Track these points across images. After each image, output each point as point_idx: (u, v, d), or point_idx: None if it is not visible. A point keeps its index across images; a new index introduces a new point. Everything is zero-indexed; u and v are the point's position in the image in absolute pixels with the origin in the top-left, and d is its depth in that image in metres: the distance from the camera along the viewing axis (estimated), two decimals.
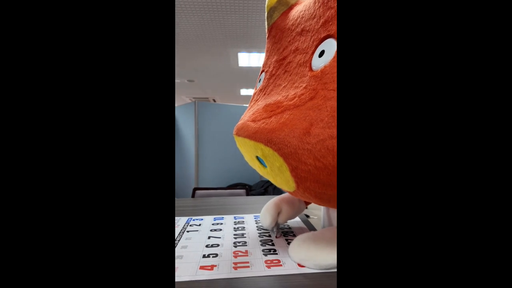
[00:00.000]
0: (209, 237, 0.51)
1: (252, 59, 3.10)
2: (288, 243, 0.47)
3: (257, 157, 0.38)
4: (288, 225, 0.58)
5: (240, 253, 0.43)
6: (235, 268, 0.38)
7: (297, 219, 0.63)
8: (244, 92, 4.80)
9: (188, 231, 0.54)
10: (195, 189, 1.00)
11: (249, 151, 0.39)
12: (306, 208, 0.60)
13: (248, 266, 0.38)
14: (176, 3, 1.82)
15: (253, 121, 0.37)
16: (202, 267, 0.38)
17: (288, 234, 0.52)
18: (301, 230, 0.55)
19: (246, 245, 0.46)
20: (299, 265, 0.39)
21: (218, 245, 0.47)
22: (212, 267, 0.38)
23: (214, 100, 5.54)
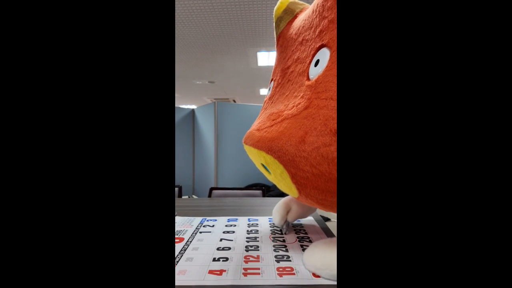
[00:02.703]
0: (221, 239, 0.49)
1: (271, 58, 3.07)
2: (304, 250, 0.44)
3: (262, 164, 0.40)
4: (305, 230, 0.55)
5: (251, 258, 0.41)
6: (245, 275, 0.36)
7: (315, 223, 0.60)
8: (263, 91, 4.79)
9: (201, 232, 0.54)
10: (212, 188, 1.00)
11: (255, 158, 0.41)
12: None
13: (259, 273, 0.36)
14: (194, 2, 1.85)
15: (258, 130, 0.40)
16: (211, 272, 0.37)
17: (303, 240, 0.49)
18: (318, 237, 0.51)
19: (259, 250, 0.44)
20: (314, 274, 0.36)
21: (229, 248, 0.45)
22: (221, 272, 0.37)
23: (234, 101, 5.60)
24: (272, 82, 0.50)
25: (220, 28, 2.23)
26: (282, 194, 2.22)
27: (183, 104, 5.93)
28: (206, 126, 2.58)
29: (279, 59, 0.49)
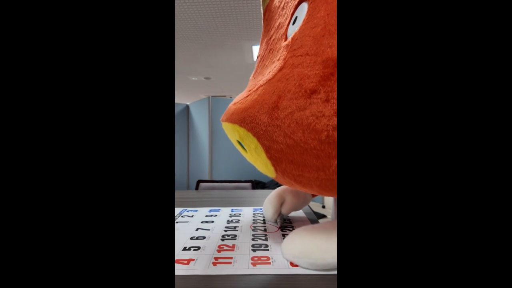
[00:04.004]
0: (197, 229, 0.46)
1: None
2: None
3: (238, 141, 0.35)
4: (289, 220, 0.51)
5: (225, 247, 0.37)
6: (215, 264, 0.32)
7: (302, 215, 0.56)
8: None
9: (177, 222, 0.50)
10: (199, 181, 0.96)
11: (230, 135, 0.36)
12: (313, 198, 0.53)
13: (230, 263, 0.33)
14: None
15: (234, 103, 0.35)
16: (177, 261, 0.33)
17: (286, 229, 0.46)
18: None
19: (235, 239, 0.41)
20: (292, 264, 0.32)
21: (204, 237, 0.42)
22: (189, 261, 0.33)
23: (232, 98, 5.54)
24: (257, 59, 0.46)
25: (213, 20, 2.18)
26: None
27: (178, 100, 5.86)
28: (200, 122, 2.55)
29: (264, 33, 0.45)
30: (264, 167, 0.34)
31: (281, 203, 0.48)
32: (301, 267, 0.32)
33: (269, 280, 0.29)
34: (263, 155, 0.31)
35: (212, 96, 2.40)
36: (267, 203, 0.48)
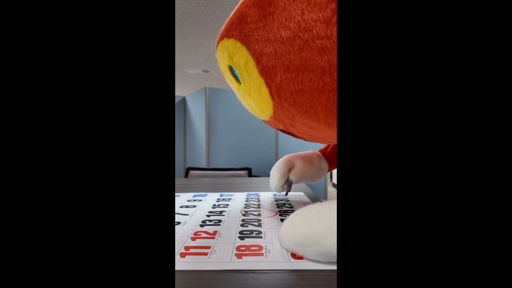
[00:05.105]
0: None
1: None
2: None
3: (230, 68, 0.28)
4: (290, 204, 0.42)
5: (203, 234, 0.28)
6: (183, 255, 0.23)
7: (306, 199, 0.46)
8: None
9: None
10: (189, 169, 0.86)
11: (222, 61, 0.29)
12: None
13: (205, 254, 0.23)
14: None
15: None
16: None
17: (286, 213, 0.36)
18: None
19: (219, 225, 0.31)
20: (294, 255, 0.23)
21: (179, 223, 0.32)
22: None
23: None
24: None
25: (209, 3, 2.08)
26: None
27: (175, 92, 5.75)
28: (196, 113, 2.47)
29: None
30: (259, 96, 0.26)
31: (289, 168, 0.42)
32: (307, 259, 0.22)
33: (258, 280, 0.19)
34: (255, 73, 0.24)
35: (210, 87, 2.31)
36: (273, 169, 0.42)
